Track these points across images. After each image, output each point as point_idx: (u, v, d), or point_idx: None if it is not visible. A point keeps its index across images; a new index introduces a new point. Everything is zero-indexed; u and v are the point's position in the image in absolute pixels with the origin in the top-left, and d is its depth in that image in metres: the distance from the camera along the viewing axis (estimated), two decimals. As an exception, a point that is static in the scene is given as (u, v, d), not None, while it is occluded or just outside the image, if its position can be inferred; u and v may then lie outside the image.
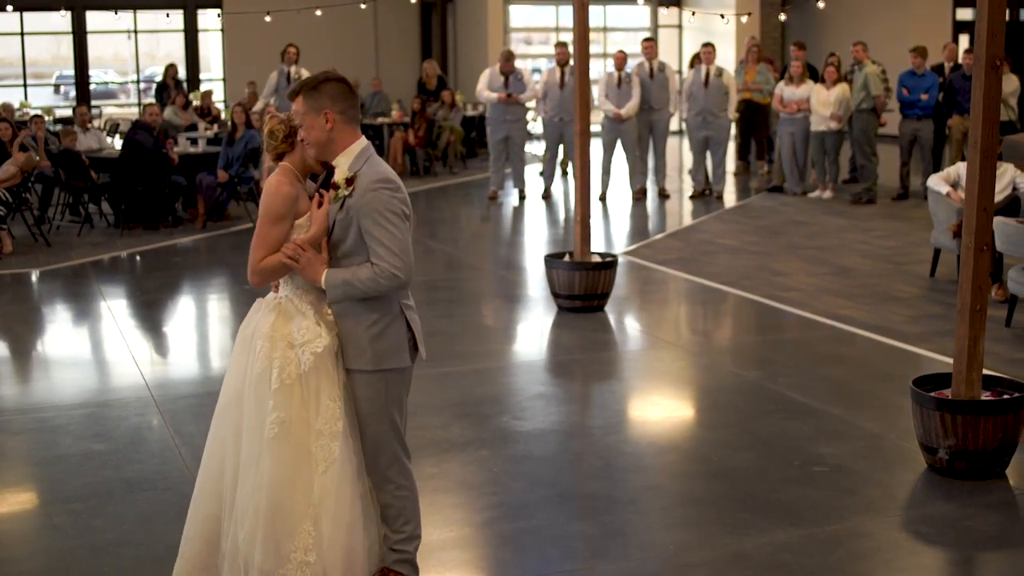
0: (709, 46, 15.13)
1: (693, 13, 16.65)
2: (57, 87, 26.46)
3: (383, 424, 4.07)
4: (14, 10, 20.49)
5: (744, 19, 17.92)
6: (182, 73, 20.73)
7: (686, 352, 8.02)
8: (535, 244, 12.28)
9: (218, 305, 9.84)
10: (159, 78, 19.72)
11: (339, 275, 3.95)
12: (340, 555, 4.00)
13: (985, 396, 5.63)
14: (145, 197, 12.91)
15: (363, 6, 16.98)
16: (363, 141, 4.03)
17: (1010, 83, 14.08)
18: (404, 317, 4.05)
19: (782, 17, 14.31)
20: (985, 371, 5.69)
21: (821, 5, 11.10)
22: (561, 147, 15.72)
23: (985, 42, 5.31)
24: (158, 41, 25.91)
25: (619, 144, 14.96)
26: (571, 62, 14.28)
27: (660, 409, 6.84)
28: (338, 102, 3.96)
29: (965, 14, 22.52)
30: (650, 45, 15.23)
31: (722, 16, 15.01)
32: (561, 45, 14.98)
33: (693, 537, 4.96)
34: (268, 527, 3.97)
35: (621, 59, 14.97)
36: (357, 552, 4.04)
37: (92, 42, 22.20)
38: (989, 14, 5.28)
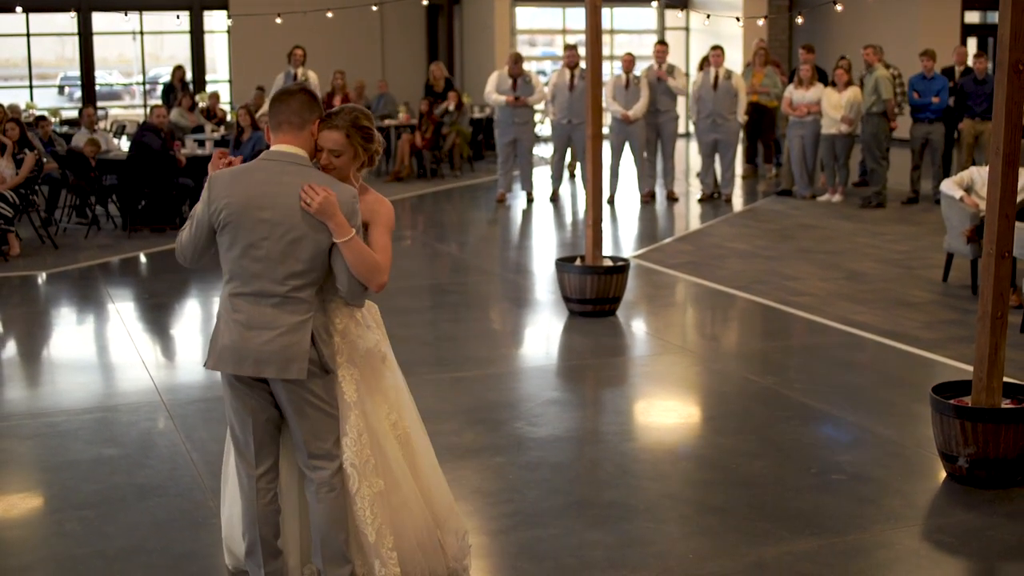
0: (718, 49, 15.07)
1: (708, 16, 16.59)
2: (61, 88, 26.44)
3: None
4: (22, 11, 20.46)
5: (760, 22, 17.86)
6: (189, 75, 20.69)
7: (700, 358, 7.95)
8: (543, 247, 12.22)
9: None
10: (164, 79, 19.65)
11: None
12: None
13: (1005, 404, 5.56)
14: (152, 199, 12.87)
15: (374, 8, 16.92)
16: (272, 150, 4.07)
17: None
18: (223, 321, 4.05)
19: (799, 20, 14.22)
20: (1004, 379, 5.62)
21: (839, 8, 11.00)
22: (569, 150, 15.64)
23: (1008, 46, 5.23)
24: (162, 42, 25.88)
25: (627, 147, 14.92)
26: (581, 64, 14.25)
27: (675, 415, 6.78)
28: (271, 114, 4.12)
29: (973, 17, 22.47)
30: (661, 48, 15.18)
31: (737, 19, 14.94)
32: (571, 48, 14.91)
33: (712, 546, 4.90)
34: None
35: (629, 61, 14.92)
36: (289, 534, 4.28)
37: (97, 43, 22.15)
38: (1012, 17, 5.21)
